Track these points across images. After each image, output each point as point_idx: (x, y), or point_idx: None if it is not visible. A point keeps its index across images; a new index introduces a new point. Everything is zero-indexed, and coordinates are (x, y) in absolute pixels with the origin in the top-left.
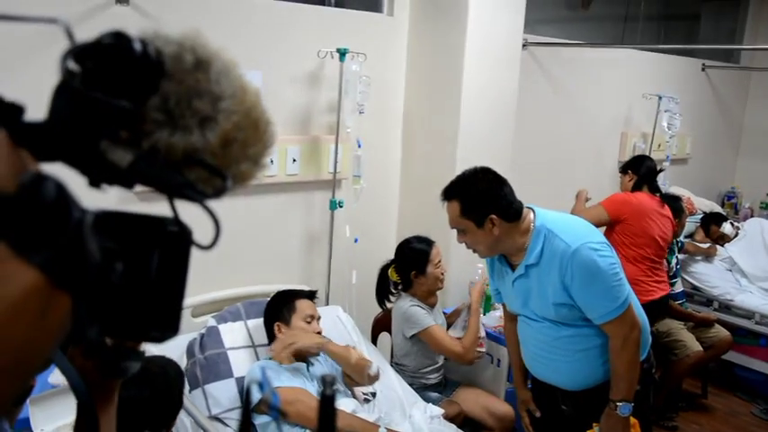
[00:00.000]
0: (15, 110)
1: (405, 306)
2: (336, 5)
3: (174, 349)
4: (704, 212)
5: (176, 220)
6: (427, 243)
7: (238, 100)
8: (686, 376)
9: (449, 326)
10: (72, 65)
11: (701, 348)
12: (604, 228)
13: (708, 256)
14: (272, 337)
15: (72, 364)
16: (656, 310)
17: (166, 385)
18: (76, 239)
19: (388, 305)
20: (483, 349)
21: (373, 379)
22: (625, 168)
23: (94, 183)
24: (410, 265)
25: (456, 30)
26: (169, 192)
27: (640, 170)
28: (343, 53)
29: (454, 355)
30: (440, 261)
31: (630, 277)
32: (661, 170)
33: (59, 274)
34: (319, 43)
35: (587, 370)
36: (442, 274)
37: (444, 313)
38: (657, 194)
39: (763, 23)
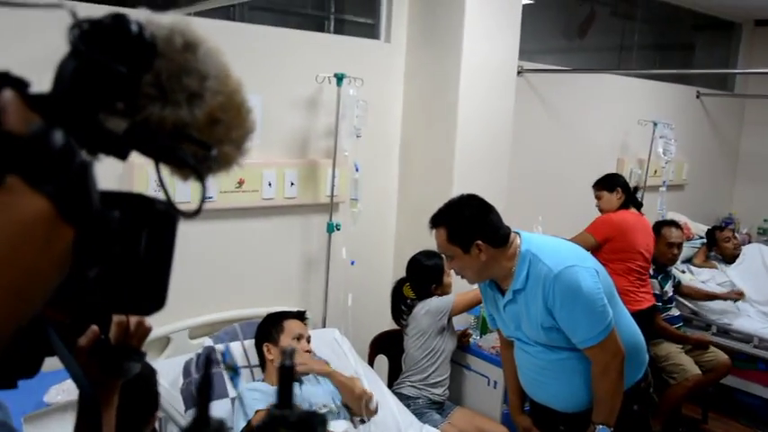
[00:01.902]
0: (23, 81)
1: (427, 304)
2: (335, 32)
3: (170, 369)
4: (700, 236)
5: (167, 199)
6: (438, 256)
7: (222, 81)
8: (685, 400)
9: None
10: (77, 40)
11: (700, 372)
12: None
13: (707, 298)
14: (262, 358)
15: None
16: (646, 319)
17: (142, 386)
18: (82, 177)
19: (403, 323)
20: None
21: (371, 412)
22: (612, 186)
23: (92, 151)
24: (429, 279)
25: (451, 56)
26: (163, 156)
27: (625, 187)
28: (340, 78)
29: (478, 298)
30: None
31: (619, 288)
32: (636, 189)
33: (66, 204)
34: (317, 69)
35: (583, 392)
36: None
37: None
38: (637, 208)
39: (757, 52)
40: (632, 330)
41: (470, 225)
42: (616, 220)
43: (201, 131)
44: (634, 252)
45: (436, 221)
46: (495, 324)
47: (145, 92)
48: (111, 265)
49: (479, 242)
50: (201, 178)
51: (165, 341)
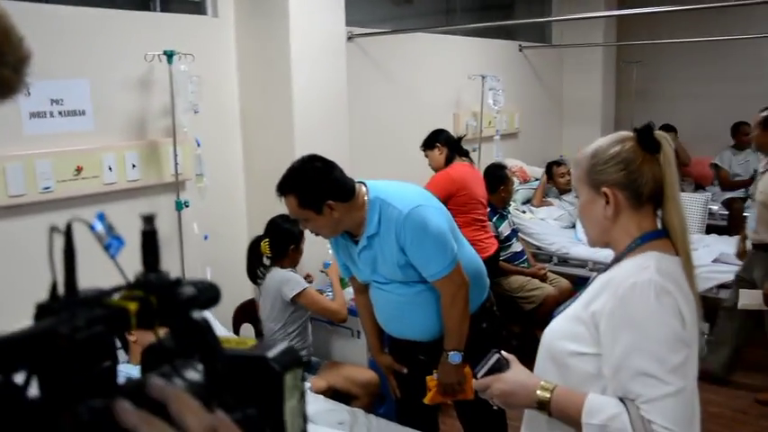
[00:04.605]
0: None
1: (281, 273)
2: (162, 11)
3: None
4: (536, 178)
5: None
6: (297, 221)
7: None
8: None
9: None
10: None
11: (552, 289)
12: None
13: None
14: (123, 340)
15: None
16: (494, 264)
17: None
18: None
19: (259, 282)
20: None
21: None
22: (431, 144)
23: None
24: (287, 241)
25: (279, 27)
26: None
27: (447, 142)
28: (170, 55)
29: (330, 312)
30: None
31: (468, 240)
32: (461, 138)
33: None
34: (146, 47)
35: (437, 321)
36: None
37: None
38: (467, 158)
39: (566, 6)
40: (474, 258)
41: (318, 187)
42: (455, 175)
43: None
44: (475, 203)
45: (283, 189)
46: (348, 273)
47: None
48: None
49: (330, 201)
50: None
51: None
